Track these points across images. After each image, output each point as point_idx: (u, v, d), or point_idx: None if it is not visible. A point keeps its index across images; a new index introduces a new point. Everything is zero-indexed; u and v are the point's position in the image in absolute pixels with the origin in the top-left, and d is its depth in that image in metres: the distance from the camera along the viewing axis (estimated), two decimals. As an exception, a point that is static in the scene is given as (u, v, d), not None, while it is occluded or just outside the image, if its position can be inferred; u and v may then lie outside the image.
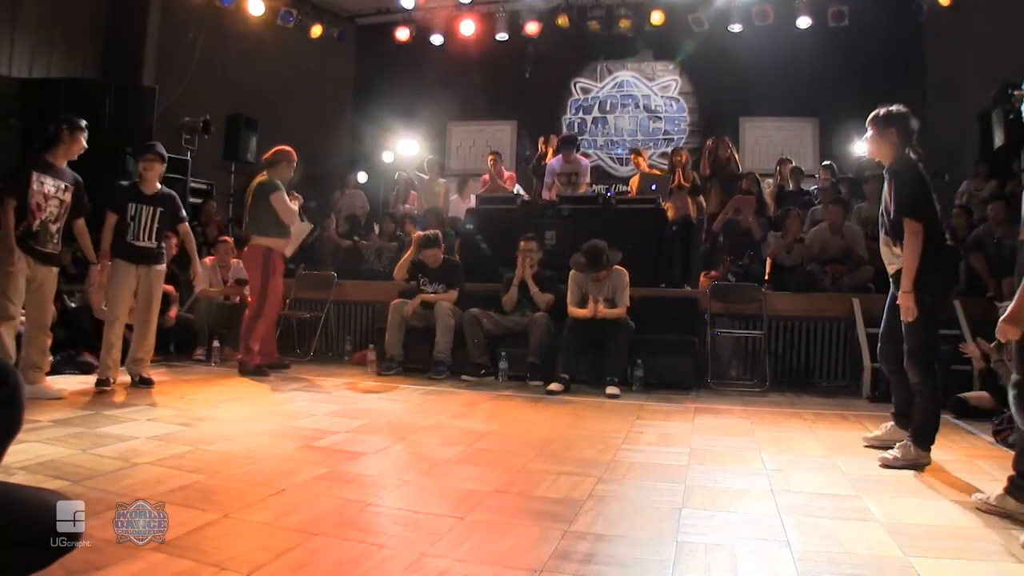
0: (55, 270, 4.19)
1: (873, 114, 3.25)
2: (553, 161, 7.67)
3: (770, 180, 8.10)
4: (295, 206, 5.41)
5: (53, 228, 4.08)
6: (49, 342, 4.16)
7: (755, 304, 5.67)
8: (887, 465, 3.00)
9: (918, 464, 2.98)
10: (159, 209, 4.58)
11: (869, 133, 3.27)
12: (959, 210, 6.28)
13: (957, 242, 5.87)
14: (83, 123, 4.15)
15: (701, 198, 7.18)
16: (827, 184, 7.52)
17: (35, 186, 3.94)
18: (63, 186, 4.10)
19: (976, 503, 2.42)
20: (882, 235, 3.25)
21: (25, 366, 3.98)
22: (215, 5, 8.50)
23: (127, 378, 4.55)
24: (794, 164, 8.10)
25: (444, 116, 10.60)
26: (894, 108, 3.21)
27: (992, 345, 4.23)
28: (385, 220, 7.96)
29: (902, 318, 3.03)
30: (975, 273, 5.71)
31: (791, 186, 7.83)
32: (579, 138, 10.20)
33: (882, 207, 3.23)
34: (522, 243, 5.64)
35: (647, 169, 7.94)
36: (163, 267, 4.71)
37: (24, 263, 3.95)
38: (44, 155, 4.05)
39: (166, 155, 4.76)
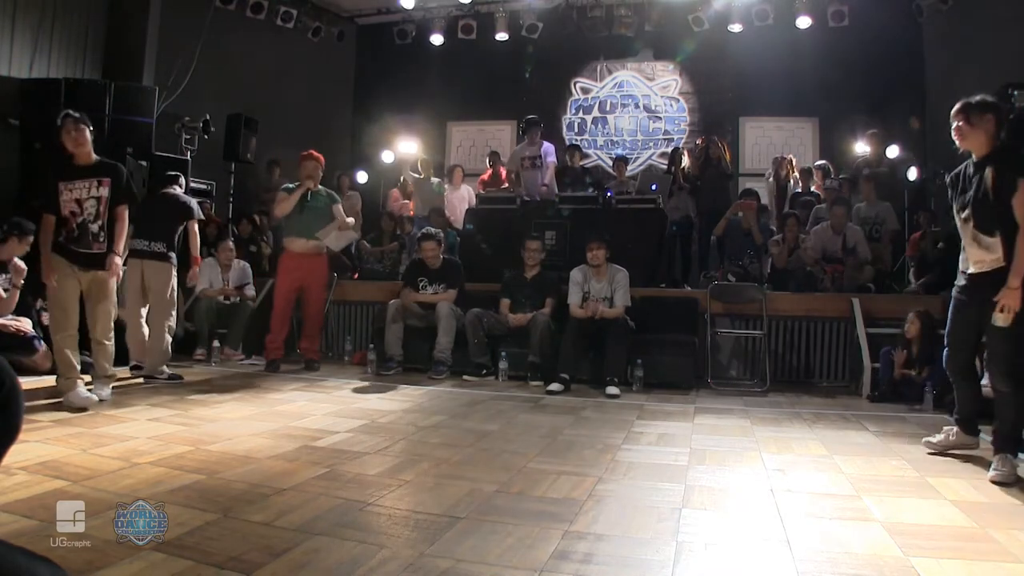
0: (103, 273, 4.01)
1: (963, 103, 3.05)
2: (519, 146, 7.69)
3: (768, 170, 8.08)
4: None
5: (95, 227, 3.97)
6: (105, 349, 4.06)
7: (755, 304, 5.67)
8: (996, 481, 2.72)
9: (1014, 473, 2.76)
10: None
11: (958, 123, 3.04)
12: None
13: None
14: (62, 117, 3.92)
15: None
16: (832, 184, 7.51)
17: (64, 196, 3.91)
18: (96, 182, 3.98)
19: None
20: (971, 229, 2.97)
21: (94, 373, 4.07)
22: (215, 5, 8.50)
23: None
24: (794, 162, 8.07)
25: (444, 116, 10.60)
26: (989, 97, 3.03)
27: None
28: (384, 219, 7.95)
29: (1000, 322, 2.79)
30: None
31: (793, 185, 7.80)
32: (579, 138, 10.26)
33: (971, 197, 2.99)
34: (527, 243, 5.72)
35: (624, 178, 8.04)
36: None
37: (68, 271, 3.91)
38: (63, 159, 3.96)
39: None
